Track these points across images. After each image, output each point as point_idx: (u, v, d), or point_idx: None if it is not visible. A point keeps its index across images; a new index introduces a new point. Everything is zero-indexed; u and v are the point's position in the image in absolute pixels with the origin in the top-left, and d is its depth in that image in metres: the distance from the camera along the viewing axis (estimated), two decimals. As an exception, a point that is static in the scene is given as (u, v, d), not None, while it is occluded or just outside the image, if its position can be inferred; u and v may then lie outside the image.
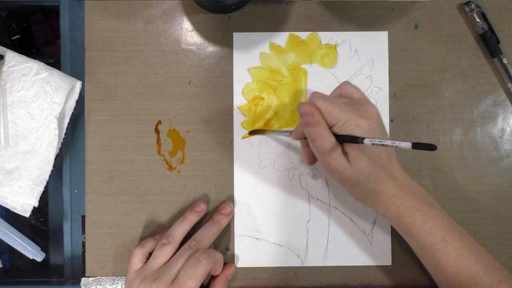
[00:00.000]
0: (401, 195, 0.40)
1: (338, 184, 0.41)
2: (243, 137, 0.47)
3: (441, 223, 0.40)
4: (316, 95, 0.39)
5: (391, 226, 0.47)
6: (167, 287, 0.40)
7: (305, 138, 0.41)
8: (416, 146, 0.32)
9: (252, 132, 0.47)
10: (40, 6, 0.49)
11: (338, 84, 0.42)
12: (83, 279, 0.47)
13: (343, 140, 0.38)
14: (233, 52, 0.48)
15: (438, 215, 0.40)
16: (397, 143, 0.33)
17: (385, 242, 0.47)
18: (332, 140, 0.38)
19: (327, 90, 0.47)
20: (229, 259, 0.47)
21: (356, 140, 0.37)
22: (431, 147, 0.31)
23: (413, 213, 0.40)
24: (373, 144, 0.35)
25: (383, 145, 0.34)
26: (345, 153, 0.38)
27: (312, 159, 0.44)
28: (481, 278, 0.39)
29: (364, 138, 0.36)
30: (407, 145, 0.32)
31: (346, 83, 0.42)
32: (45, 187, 0.45)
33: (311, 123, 0.38)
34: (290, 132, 0.44)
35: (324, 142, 0.38)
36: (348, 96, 0.41)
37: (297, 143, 0.47)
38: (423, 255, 0.41)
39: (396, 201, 0.40)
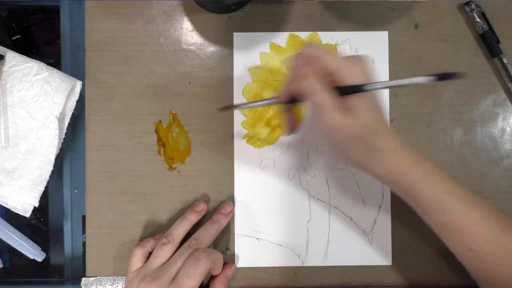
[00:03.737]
0: (402, 150, 0.37)
1: (335, 147, 0.37)
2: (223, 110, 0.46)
3: (439, 174, 0.38)
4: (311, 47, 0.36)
5: (391, 225, 0.47)
6: (167, 286, 0.40)
7: (291, 101, 0.38)
8: (440, 77, 0.26)
9: (225, 108, 0.46)
10: (40, 6, 0.49)
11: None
12: (83, 279, 0.47)
13: (344, 91, 0.34)
14: (233, 52, 0.48)
15: (433, 167, 0.38)
16: (406, 80, 0.28)
17: (385, 242, 0.47)
18: (332, 93, 0.34)
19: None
20: (229, 259, 0.47)
21: (360, 88, 0.33)
22: (453, 76, 0.26)
23: (414, 169, 0.37)
24: (378, 88, 0.31)
25: (392, 87, 0.30)
26: (342, 109, 0.35)
27: (293, 126, 0.41)
28: (485, 228, 0.37)
29: (368, 83, 0.32)
30: (423, 79, 0.27)
31: (324, 54, 0.36)
32: (46, 187, 0.45)
33: (307, 74, 0.35)
34: (272, 99, 0.39)
35: (323, 96, 0.34)
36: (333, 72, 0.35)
37: (298, 141, 0.47)
38: (428, 214, 0.39)
39: (398, 157, 0.37)
